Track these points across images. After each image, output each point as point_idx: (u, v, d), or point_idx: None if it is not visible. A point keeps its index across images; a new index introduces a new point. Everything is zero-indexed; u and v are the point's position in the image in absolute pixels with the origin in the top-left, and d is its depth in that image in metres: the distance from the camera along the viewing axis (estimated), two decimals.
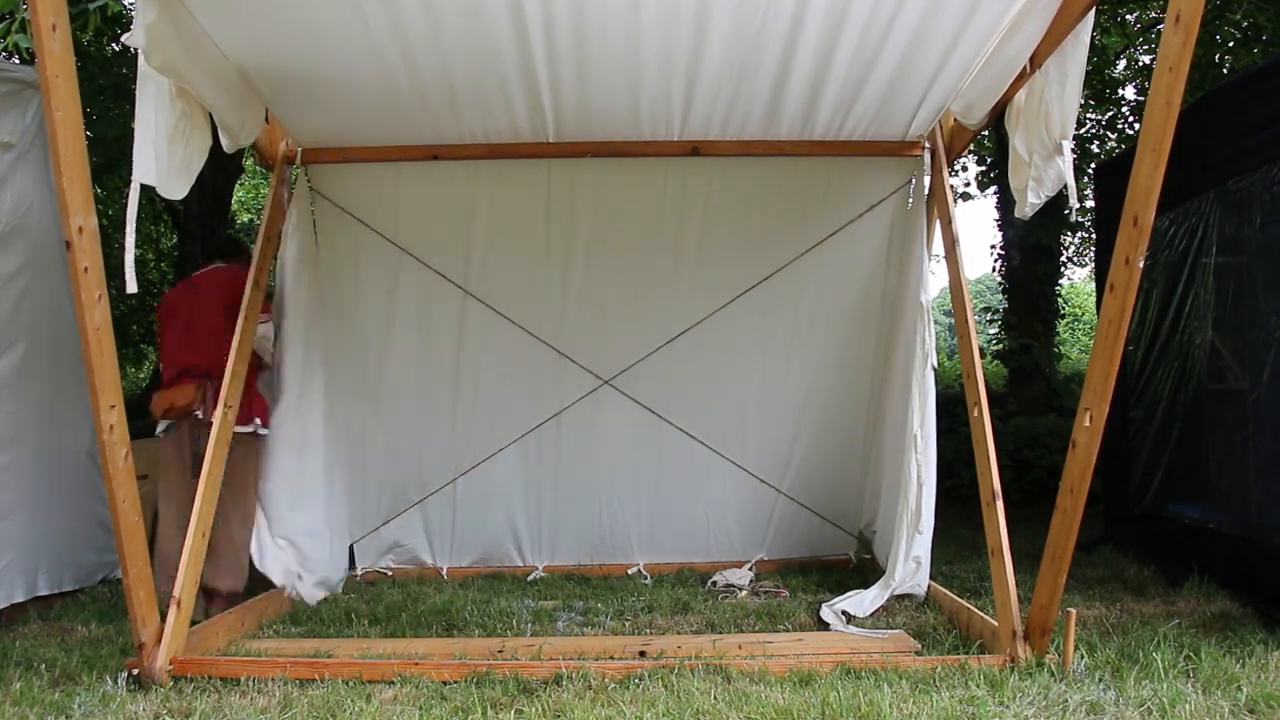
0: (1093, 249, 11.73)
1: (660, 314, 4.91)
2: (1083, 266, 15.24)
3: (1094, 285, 10.40)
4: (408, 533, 5.09)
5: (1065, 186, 3.27)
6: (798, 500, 5.13)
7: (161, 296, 4.71)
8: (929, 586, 4.19)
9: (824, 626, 3.83)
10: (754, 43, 3.54)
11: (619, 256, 4.86)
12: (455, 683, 2.96)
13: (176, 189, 3.23)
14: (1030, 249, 9.06)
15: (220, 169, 7.85)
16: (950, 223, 4.13)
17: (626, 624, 3.93)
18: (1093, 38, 3.91)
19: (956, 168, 9.87)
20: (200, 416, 4.03)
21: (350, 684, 2.96)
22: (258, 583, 4.22)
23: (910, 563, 4.14)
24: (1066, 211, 8.91)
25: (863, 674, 2.97)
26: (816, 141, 4.41)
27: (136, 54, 3.04)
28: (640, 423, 5.03)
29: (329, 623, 3.97)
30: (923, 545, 4.15)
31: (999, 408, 7.93)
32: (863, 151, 4.51)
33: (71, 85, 2.60)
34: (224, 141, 3.55)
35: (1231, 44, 7.73)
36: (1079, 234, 13.11)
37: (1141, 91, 9.48)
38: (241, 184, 11.69)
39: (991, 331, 10.91)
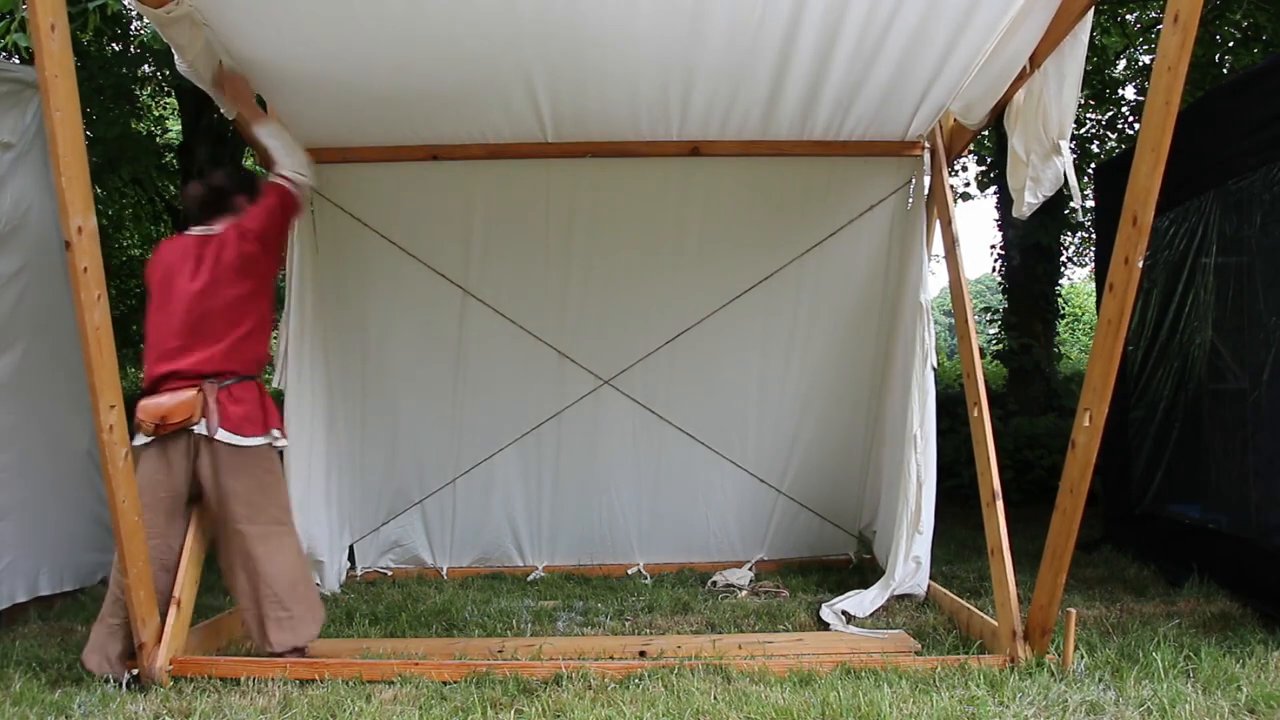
0: (1093, 249, 11.73)
1: (660, 314, 4.91)
2: (1083, 266, 15.23)
3: (1094, 285, 10.39)
4: (407, 532, 5.08)
5: (1065, 186, 3.27)
6: (798, 500, 5.13)
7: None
8: (929, 586, 4.19)
9: (824, 626, 3.83)
10: (751, 43, 3.52)
11: (619, 256, 4.85)
12: (455, 683, 2.96)
13: None
14: (1030, 249, 9.06)
15: (220, 168, 7.83)
16: (950, 223, 4.13)
17: (626, 624, 3.93)
18: (1092, 38, 3.92)
19: (956, 168, 9.87)
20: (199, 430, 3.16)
21: (350, 684, 2.96)
22: None
23: (910, 563, 4.14)
24: (1067, 211, 8.93)
25: (863, 674, 2.97)
26: (816, 141, 4.40)
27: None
28: (640, 422, 5.02)
29: (329, 623, 3.96)
30: (922, 545, 4.16)
31: (999, 408, 7.94)
32: (862, 152, 4.49)
33: (70, 85, 2.60)
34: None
35: (1231, 44, 7.73)
36: (1079, 234, 13.09)
37: (1141, 91, 9.47)
38: None
39: (991, 331, 10.93)
